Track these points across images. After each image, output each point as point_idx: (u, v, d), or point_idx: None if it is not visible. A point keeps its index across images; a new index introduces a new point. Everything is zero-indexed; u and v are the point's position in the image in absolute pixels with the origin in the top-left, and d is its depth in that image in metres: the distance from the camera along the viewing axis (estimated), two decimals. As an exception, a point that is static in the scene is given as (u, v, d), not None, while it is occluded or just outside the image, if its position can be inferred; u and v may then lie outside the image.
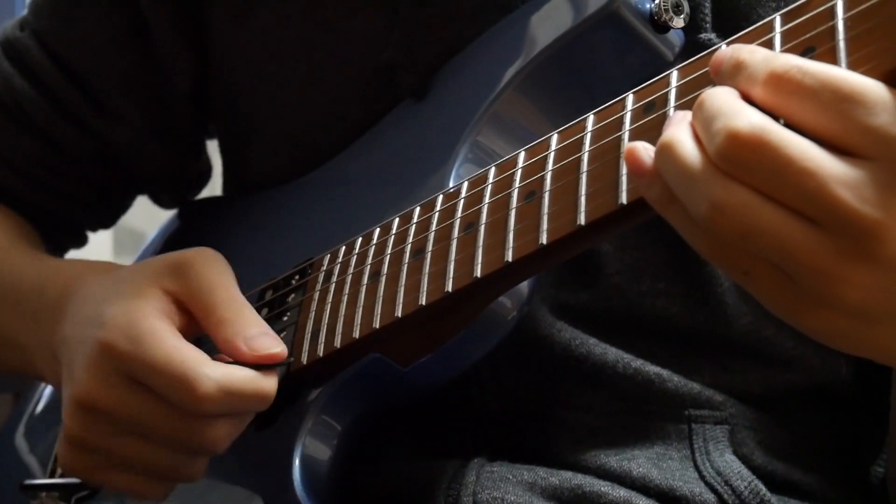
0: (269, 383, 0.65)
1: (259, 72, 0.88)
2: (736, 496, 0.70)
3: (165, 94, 0.94)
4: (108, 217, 1.03)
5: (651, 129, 0.55)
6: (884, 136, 0.44)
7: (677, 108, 0.54)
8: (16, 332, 0.81)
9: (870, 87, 0.44)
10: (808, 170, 0.44)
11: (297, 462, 0.69)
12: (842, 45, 0.47)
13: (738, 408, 0.74)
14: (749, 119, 0.46)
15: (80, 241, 1.04)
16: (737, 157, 0.46)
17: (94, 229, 1.04)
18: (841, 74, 0.45)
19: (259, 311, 0.79)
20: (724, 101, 0.47)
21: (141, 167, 0.97)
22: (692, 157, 0.48)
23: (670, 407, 0.73)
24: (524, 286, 0.68)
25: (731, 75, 0.48)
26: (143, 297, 0.67)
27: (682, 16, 0.69)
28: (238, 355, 0.66)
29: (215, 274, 0.68)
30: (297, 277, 0.78)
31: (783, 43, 0.50)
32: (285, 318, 0.76)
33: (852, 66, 0.47)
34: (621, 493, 0.69)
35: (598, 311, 0.74)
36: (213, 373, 0.63)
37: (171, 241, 1.01)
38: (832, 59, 0.47)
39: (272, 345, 0.66)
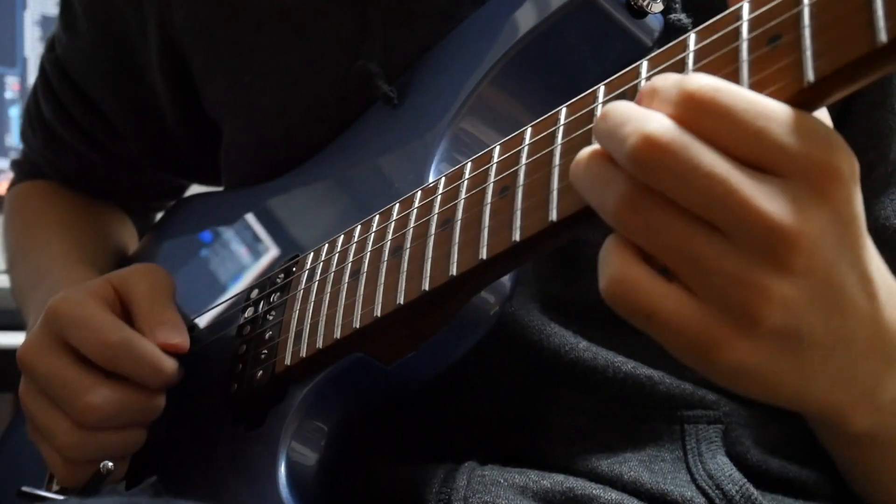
0: (169, 362, 0.74)
1: (234, 82, 0.87)
2: (727, 500, 0.69)
3: (160, 118, 0.99)
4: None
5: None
6: (795, 155, 0.44)
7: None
8: (27, 306, 0.96)
9: (778, 108, 0.45)
10: (718, 175, 0.44)
11: (282, 463, 0.68)
12: (807, 32, 0.46)
13: (731, 406, 0.72)
14: (661, 122, 0.45)
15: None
16: (649, 159, 0.45)
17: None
18: (752, 95, 0.45)
19: (244, 310, 0.79)
20: (631, 108, 0.47)
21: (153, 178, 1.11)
22: (597, 162, 0.48)
23: (662, 408, 0.72)
24: (506, 281, 0.68)
25: (647, 103, 0.48)
26: (94, 285, 0.79)
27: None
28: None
29: (151, 281, 0.79)
30: (281, 276, 0.77)
31: (750, 30, 0.49)
32: (270, 318, 0.76)
33: (816, 55, 0.46)
34: (613, 495, 0.69)
35: (590, 303, 0.72)
36: (124, 329, 0.74)
37: (163, 234, 1.01)
38: (796, 48, 0.46)
39: (173, 336, 0.75)
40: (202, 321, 0.84)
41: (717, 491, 0.70)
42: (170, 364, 0.74)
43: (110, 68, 0.98)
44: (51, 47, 1.04)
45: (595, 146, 0.49)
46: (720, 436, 0.72)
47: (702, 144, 0.45)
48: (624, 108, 0.48)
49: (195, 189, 1.20)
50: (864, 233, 0.48)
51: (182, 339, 0.75)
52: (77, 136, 1.04)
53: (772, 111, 0.45)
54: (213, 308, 0.84)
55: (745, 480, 0.70)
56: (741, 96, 0.45)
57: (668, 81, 0.47)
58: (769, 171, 0.45)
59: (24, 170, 1.13)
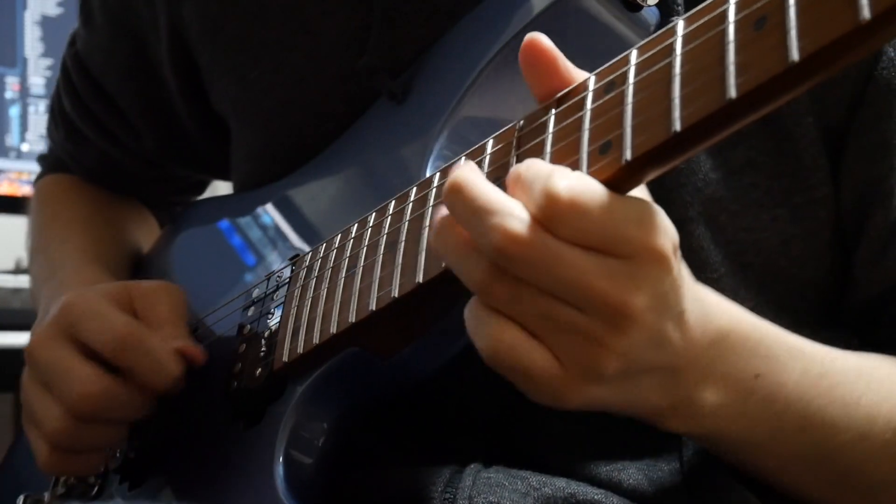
0: (175, 364, 0.75)
1: (240, 79, 0.88)
2: None
3: (174, 113, 1.00)
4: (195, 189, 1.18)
5: (611, 108, 0.54)
6: (631, 244, 0.53)
7: (636, 84, 0.53)
8: (38, 301, 0.95)
9: (621, 205, 0.52)
10: (570, 265, 0.52)
11: (279, 460, 0.68)
12: (792, 13, 0.46)
13: None
14: (522, 221, 0.52)
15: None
16: (510, 255, 0.52)
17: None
18: (600, 196, 0.52)
19: (246, 309, 0.79)
20: (493, 198, 0.53)
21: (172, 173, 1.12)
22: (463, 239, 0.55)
23: None
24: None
25: (512, 192, 0.54)
26: (111, 287, 0.80)
27: None
28: None
29: (173, 302, 0.80)
30: (282, 275, 0.77)
31: (737, 12, 0.49)
32: (270, 316, 0.76)
33: (800, 36, 0.45)
34: (615, 500, 0.69)
35: None
36: (136, 324, 0.75)
37: (174, 237, 1.01)
38: (782, 32, 0.46)
39: (192, 346, 0.77)
40: (206, 321, 0.84)
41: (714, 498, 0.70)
42: (176, 366, 0.75)
43: (125, 63, 1.00)
44: (72, 42, 1.07)
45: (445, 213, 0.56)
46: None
47: (556, 240, 0.52)
48: (485, 195, 0.53)
49: (217, 184, 1.21)
50: (684, 287, 0.56)
51: (200, 351, 0.76)
52: (96, 131, 1.05)
53: (616, 209, 0.52)
54: (216, 309, 0.84)
55: (743, 488, 0.70)
56: (593, 199, 0.52)
57: (532, 177, 0.53)
58: (610, 255, 0.52)
59: (48, 163, 1.16)
